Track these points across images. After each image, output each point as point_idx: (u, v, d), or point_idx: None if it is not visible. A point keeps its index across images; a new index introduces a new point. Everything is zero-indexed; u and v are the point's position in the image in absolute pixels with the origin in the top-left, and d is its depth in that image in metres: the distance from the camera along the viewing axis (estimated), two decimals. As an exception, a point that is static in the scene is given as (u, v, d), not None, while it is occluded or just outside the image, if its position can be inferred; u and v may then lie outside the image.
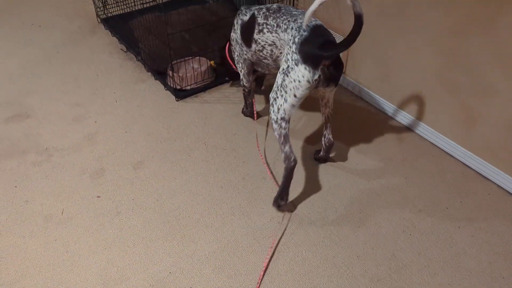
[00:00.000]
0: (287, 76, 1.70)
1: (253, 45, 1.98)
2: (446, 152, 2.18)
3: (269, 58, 1.96)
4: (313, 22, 1.72)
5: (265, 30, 1.87)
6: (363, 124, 2.38)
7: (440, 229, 1.83)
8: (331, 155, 2.17)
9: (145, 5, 3.22)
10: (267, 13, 1.87)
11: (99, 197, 2.00)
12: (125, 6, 3.24)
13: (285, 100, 1.73)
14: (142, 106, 2.54)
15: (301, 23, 1.71)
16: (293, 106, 1.74)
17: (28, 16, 3.48)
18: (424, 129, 2.26)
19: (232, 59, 2.35)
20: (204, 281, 1.65)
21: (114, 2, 3.21)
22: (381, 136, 2.30)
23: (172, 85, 2.60)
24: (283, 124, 1.77)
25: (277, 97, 1.76)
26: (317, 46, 1.64)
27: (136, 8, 3.23)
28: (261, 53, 1.97)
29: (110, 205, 1.96)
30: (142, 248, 1.77)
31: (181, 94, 2.58)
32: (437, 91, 2.12)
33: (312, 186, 2.03)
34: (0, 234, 1.83)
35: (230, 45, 2.30)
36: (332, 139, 2.04)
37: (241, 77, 2.25)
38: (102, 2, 3.22)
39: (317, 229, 1.83)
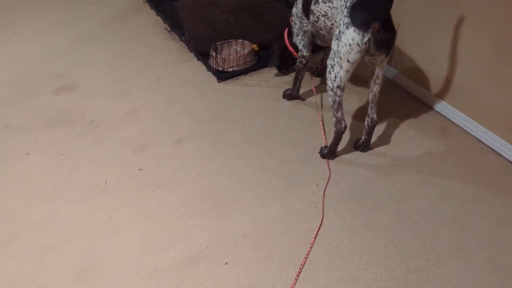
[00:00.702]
0: (340, 41, 1.77)
1: (310, 16, 2.04)
2: (492, 149, 2.12)
3: (323, 30, 2.02)
4: None
5: (320, 1, 1.94)
6: (406, 115, 2.33)
7: (481, 226, 1.78)
8: (372, 140, 2.13)
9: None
10: None
11: (141, 170, 2.05)
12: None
13: (341, 67, 1.80)
14: (184, 85, 2.58)
15: None
16: (347, 72, 1.81)
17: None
18: (469, 124, 2.19)
19: (293, 44, 2.35)
20: (239, 259, 1.68)
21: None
22: (424, 128, 2.25)
23: (214, 67, 2.62)
24: (338, 92, 1.87)
25: (334, 64, 1.82)
26: (366, 9, 1.70)
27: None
28: (317, 24, 2.03)
29: (151, 178, 2.01)
30: (181, 222, 1.82)
31: (222, 75, 2.60)
32: (487, 85, 2.05)
33: (351, 174, 2.01)
34: (47, 199, 1.92)
35: (289, 30, 2.34)
36: (375, 118, 2.03)
37: (300, 49, 2.25)
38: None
39: (354, 217, 1.82)
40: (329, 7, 1.89)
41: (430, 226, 1.79)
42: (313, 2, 1.99)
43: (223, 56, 2.59)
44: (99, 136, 2.24)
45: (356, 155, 2.11)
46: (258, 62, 2.69)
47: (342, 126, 1.96)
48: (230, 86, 2.57)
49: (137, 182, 1.99)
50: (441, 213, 1.83)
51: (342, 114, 1.94)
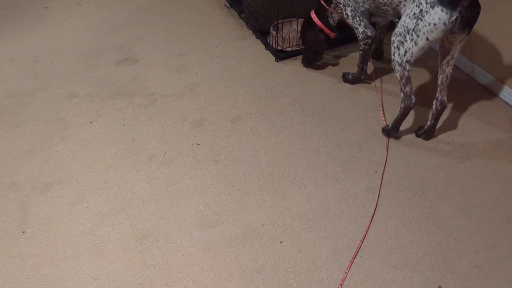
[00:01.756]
0: (421, 20, 1.70)
1: None
2: None
3: (388, 5, 1.96)
4: None
5: None
6: (473, 106, 2.23)
7: (551, 226, 1.70)
8: (438, 126, 2.05)
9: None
10: None
11: (199, 144, 2.09)
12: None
13: (415, 44, 1.76)
14: (242, 63, 2.57)
15: None
16: (422, 49, 1.77)
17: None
18: (542, 119, 2.07)
19: (327, 24, 2.28)
20: (294, 237, 1.69)
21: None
22: (492, 120, 2.14)
23: (273, 45, 2.60)
24: (407, 67, 1.84)
25: (405, 41, 1.78)
26: None
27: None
28: (381, 0, 1.98)
29: (209, 153, 2.04)
30: (237, 197, 1.84)
31: (281, 55, 2.57)
32: None
33: (411, 162, 1.96)
34: (110, 166, 2.00)
35: (318, 12, 2.27)
36: (446, 102, 1.97)
37: (361, 31, 2.16)
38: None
39: (414, 207, 1.78)
40: None
41: (494, 222, 1.72)
42: None
43: (283, 35, 2.56)
44: (159, 109, 2.29)
45: (418, 142, 2.05)
46: (317, 43, 2.64)
47: (412, 101, 1.92)
48: (288, 65, 2.54)
49: (195, 156, 2.03)
50: (508, 210, 1.75)
51: (411, 89, 1.90)
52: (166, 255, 1.64)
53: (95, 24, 2.96)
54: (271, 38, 2.61)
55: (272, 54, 2.60)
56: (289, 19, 2.59)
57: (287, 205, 1.81)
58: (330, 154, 2.01)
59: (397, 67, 1.85)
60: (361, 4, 2.09)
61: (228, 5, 3.03)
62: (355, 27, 2.17)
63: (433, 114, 2.01)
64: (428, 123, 2.03)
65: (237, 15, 2.93)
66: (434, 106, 1.99)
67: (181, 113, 2.26)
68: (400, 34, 1.79)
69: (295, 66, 2.53)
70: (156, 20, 2.97)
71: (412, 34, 1.75)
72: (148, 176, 1.95)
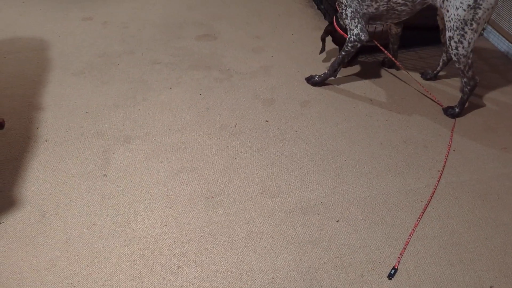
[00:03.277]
0: (479, 8, 1.81)
1: None
2: None
3: (409, 3, 2.04)
4: None
5: None
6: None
7: None
8: (497, 137, 2.04)
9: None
10: None
11: (268, 121, 2.19)
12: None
13: (476, 32, 1.88)
14: (316, 52, 2.65)
15: None
16: (478, 33, 1.91)
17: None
18: None
19: (342, 28, 2.30)
20: (351, 219, 1.75)
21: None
22: None
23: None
24: (471, 55, 1.98)
25: (465, 33, 1.89)
26: None
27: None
28: (397, 0, 2.04)
29: (276, 131, 2.15)
30: (299, 174, 1.93)
31: (355, 48, 2.62)
32: None
33: (476, 167, 1.96)
34: (184, 129, 2.15)
35: (336, 17, 2.31)
36: (478, 79, 2.12)
37: (355, 33, 2.15)
38: None
39: (474, 209, 1.79)
40: None
41: (556, 237, 1.70)
42: None
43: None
44: (234, 84, 2.42)
45: (486, 150, 2.04)
46: (393, 41, 2.67)
47: (477, 81, 2.09)
48: (361, 60, 2.59)
49: (263, 132, 2.14)
50: None
51: (473, 72, 2.05)
52: (229, 215, 1.77)
53: (180, 0, 3.14)
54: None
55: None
56: (368, 15, 2.63)
57: (347, 188, 1.88)
58: (394, 148, 2.05)
59: (462, 59, 1.98)
60: (365, 7, 2.09)
61: (308, -5, 3.10)
62: (350, 28, 2.17)
63: (441, 64, 2.36)
64: (438, 68, 2.38)
65: (316, 6, 3.00)
66: (442, 59, 2.32)
67: (253, 91, 2.38)
68: (457, 28, 1.89)
69: (368, 61, 2.58)
70: (238, 2, 3.11)
71: (471, 24, 1.85)
72: (219, 143, 2.08)
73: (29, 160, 1.99)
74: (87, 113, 2.23)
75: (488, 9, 1.81)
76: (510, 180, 1.90)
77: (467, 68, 2.01)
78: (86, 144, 2.07)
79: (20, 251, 1.65)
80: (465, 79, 2.07)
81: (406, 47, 2.66)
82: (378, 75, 2.47)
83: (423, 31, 2.69)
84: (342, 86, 2.40)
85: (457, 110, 2.19)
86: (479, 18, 1.82)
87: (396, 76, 2.46)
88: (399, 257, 1.62)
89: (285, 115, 2.23)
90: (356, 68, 2.52)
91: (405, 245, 1.66)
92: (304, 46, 2.69)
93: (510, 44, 2.56)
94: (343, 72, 2.49)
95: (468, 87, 2.10)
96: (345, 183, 1.90)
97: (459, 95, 2.25)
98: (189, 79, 2.45)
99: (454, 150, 2.04)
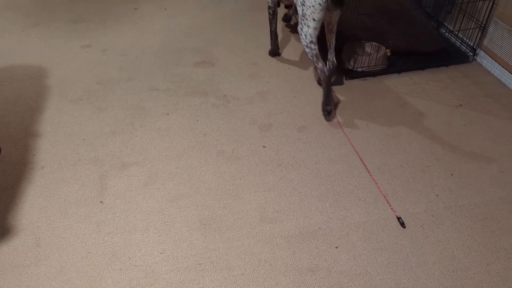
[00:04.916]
0: (304, 5, 2.15)
1: None
2: None
3: None
4: None
5: None
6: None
7: None
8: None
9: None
10: None
11: (265, 147, 2.20)
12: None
13: (308, 26, 2.18)
14: (312, 77, 2.68)
15: None
16: (315, 29, 2.18)
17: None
18: None
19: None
20: (350, 245, 1.74)
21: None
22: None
23: (344, 64, 2.69)
24: (313, 46, 2.24)
25: (302, 27, 2.21)
26: None
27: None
28: None
29: (273, 156, 2.15)
30: (297, 200, 1.92)
31: (351, 74, 2.66)
32: None
33: (476, 191, 1.96)
34: (182, 155, 2.15)
35: None
36: (335, 61, 2.38)
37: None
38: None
39: (474, 234, 1.78)
40: None
41: (557, 261, 1.68)
42: None
43: (355, 56, 2.64)
44: (231, 110, 2.43)
45: (485, 174, 2.04)
46: (388, 67, 2.71)
47: (327, 71, 2.31)
48: (357, 84, 2.62)
49: (260, 157, 2.14)
50: None
51: (322, 63, 2.30)
52: (227, 242, 1.75)
53: (178, 27, 3.20)
54: (343, 57, 2.70)
55: (342, 72, 2.69)
56: (362, 41, 2.68)
57: (346, 214, 1.86)
58: (392, 173, 2.05)
59: (306, 49, 2.26)
60: None
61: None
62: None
63: (326, 77, 2.39)
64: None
65: (312, 33, 3.05)
66: (327, 65, 2.38)
67: (250, 116, 2.39)
68: (299, 22, 2.23)
69: (364, 86, 2.61)
70: (235, 29, 3.16)
71: (303, 19, 2.18)
72: (216, 169, 2.07)
73: (24, 188, 1.97)
74: (84, 139, 2.23)
75: (311, 7, 2.10)
76: (509, 204, 1.90)
77: (314, 59, 2.27)
78: (83, 171, 2.06)
79: (14, 281, 1.62)
80: (317, 70, 2.32)
81: (399, 72, 2.70)
82: (373, 100, 2.49)
83: (415, 56, 2.74)
84: (339, 110, 2.42)
85: (326, 107, 2.36)
86: (305, 13, 2.14)
87: (392, 100, 2.48)
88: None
89: (282, 140, 2.24)
90: (352, 93, 2.54)
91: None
92: (300, 71, 2.73)
93: (502, 68, 2.61)
94: (339, 96, 2.51)
95: (322, 77, 2.32)
96: (343, 208, 1.89)
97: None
98: (186, 105, 2.47)
99: (451, 174, 2.04)
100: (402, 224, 1.81)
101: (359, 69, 2.66)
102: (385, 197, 1.93)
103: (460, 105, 2.45)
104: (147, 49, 2.96)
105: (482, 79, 2.66)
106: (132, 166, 2.08)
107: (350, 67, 2.67)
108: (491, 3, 2.59)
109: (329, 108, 2.37)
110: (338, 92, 2.55)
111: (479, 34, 2.71)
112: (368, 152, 2.16)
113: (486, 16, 2.63)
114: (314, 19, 2.14)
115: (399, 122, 2.34)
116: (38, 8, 3.44)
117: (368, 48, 2.74)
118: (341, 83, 2.59)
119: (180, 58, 2.87)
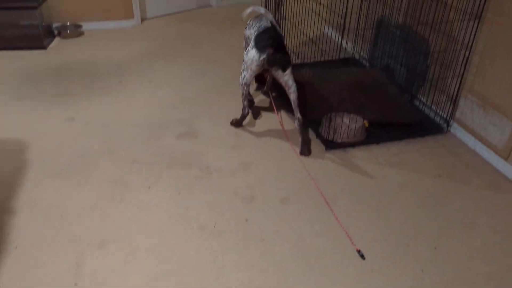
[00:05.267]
0: (246, 55, 2.59)
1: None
2: None
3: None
4: (264, 24, 2.65)
5: (247, 28, 2.91)
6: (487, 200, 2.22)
7: None
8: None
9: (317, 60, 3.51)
10: (255, 20, 2.82)
11: (247, 220, 2.17)
12: (296, 57, 3.57)
13: (247, 71, 2.62)
14: (294, 148, 2.73)
15: (259, 26, 2.67)
16: (251, 75, 2.64)
17: (207, 53, 4.04)
18: None
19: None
20: (337, 328, 1.67)
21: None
22: (542, 233, 2.12)
23: (324, 135, 2.76)
24: (245, 87, 2.71)
25: (243, 70, 2.65)
26: (265, 39, 2.54)
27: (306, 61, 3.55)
28: (248, 41, 2.87)
29: (256, 230, 2.11)
30: (281, 277, 1.87)
31: (331, 145, 2.72)
32: None
33: (458, 266, 1.94)
34: (163, 231, 2.10)
35: None
36: (301, 117, 2.66)
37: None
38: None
39: (461, 311, 1.74)
40: (249, 33, 2.81)
41: None
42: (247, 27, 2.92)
43: (335, 127, 2.72)
44: (213, 182, 2.43)
45: (466, 246, 2.04)
46: (367, 138, 2.78)
47: (246, 111, 2.82)
48: (337, 155, 2.67)
49: (243, 231, 2.10)
50: None
51: (247, 103, 2.78)
52: (208, 327, 1.66)
53: (162, 100, 3.27)
54: (323, 129, 2.78)
55: (323, 143, 2.75)
56: (341, 113, 2.77)
57: (331, 292, 1.81)
58: (373, 249, 2.03)
59: (240, 87, 2.70)
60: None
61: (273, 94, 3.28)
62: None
63: (298, 130, 2.70)
64: (300, 139, 2.69)
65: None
66: (296, 124, 2.70)
67: (233, 188, 2.38)
68: (243, 63, 2.63)
69: (344, 157, 2.66)
70: (218, 100, 3.24)
71: (244, 65, 2.62)
72: (197, 245, 2.02)
73: (-5, 270, 1.87)
74: (61, 216, 2.17)
75: (250, 59, 2.55)
76: (496, 279, 1.88)
77: (243, 96, 2.73)
78: (59, 250, 1.98)
79: None
80: (242, 106, 2.79)
81: (378, 142, 2.77)
82: (354, 171, 2.53)
83: (391, 127, 2.84)
84: (321, 181, 2.43)
85: (236, 124, 2.92)
86: (247, 62, 2.59)
87: (373, 171, 2.52)
88: None
89: (264, 213, 2.22)
90: (333, 164, 2.58)
91: None
92: (282, 144, 2.77)
93: (475, 140, 2.70)
94: (320, 168, 2.54)
95: (242, 113, 2.81)
96: (330, 284, 1.84)
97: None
98: (168, 178, 2.45)
99: (435, 248, 2.03)
100: None
101: (339, 140, 2.73)
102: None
103: (439, 175, 2.50)
104: (130, 121, 2.99)
105: (458, 149, 2.74)
106: (110, 243, 2.02)
107: (330, 138, 2.73)
108: (459, 78, 2.75)
109: (236, 127, 2.90)
110: (319, 162, 2.59)
111: (451, 107, 2.84)
112: (352, 225, 2.15)
113: (456, 90, 2.78)
114: (251, 69, 2.59)
115: (380, 193, 2.36)
116: (24, 82, 3.50)
117: (346, 120, 2.83)
118: (309, 153, 2.68)
119: (163, 130, 2.90)
